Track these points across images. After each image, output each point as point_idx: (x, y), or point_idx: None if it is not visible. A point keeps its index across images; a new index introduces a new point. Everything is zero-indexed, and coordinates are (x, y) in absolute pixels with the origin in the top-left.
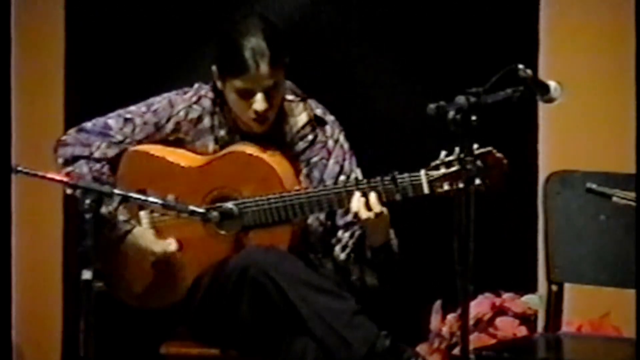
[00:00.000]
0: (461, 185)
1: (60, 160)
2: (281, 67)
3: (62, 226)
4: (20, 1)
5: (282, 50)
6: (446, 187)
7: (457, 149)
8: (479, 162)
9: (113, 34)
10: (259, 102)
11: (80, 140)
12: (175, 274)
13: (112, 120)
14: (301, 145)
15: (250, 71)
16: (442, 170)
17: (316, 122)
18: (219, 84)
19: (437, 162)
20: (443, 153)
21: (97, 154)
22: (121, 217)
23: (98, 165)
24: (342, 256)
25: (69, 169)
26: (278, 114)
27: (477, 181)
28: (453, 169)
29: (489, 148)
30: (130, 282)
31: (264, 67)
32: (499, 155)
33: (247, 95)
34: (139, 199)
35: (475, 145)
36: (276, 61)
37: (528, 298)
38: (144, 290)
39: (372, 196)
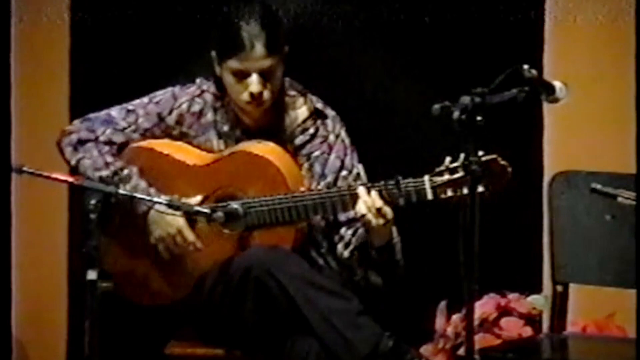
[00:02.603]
0: (465, 191)
1: (68, 149)
2: (278, 53)
3: (67, 226)
4: None
5: (279, 36)
6: (450, 193)
7: (461, 155)
8: (483, 169)
9: (118, 31)
10: (254, 84)
11: (84, 127)
12: (180, 270)
13: (115, 111)
14: (302, 139)
15: (245, 51)
16: (446, 177)
17: (317, 116)
18: (217, 70)
19: (442, 168)
20: (448, 159)
21: (102, 138)
22: (142, 191)
23: (107, 148)
24: (346, 253)
25: (78, 155)
26: (278, 108)
27: (481, 188)
28: (457, 175)
29: (494, 155)
30: (135, 275)
31: (259, 48)
32: (503, 162)
33: (242, 77)
34: (143, 198)
35: (480, 152)
36: (272, 45)
37: (533, 298)
38: (150, 286)
39: (374, 194)
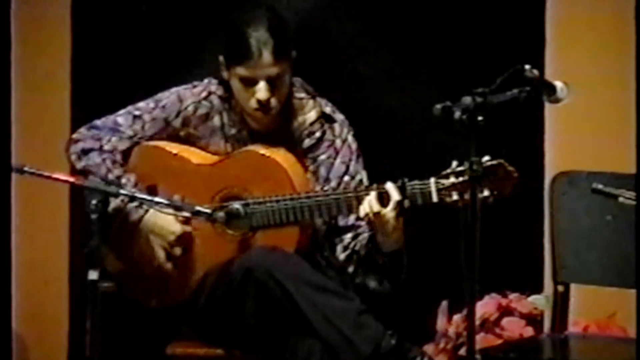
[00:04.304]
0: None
1: (73, 157)
2: (286, 60)
3: (69, 226)
4: None
5: (287, 42)
6: (455, 196)
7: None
8: (488, 174)
9: (119, 30)
10: (261, 91)
11: (90, 135)
12: (183, 271)
13: (122, 117)
14: (308, 142)
15: (253, 58)
16: (452, 180)
17: (324, 120)
18: (225, 75)
19: (448, 171)
20: (454, 163)
21: (107, 147)
22: (132, 204)
23: (110, 155)
24: (342, 256)
25: (82, 163)
26: (287, 111)
27: (486, 192)
28: (462, 178)
29: (500, 160)
30: (139, 278)
31: (267, 56)
32: (510, 168)
33: (250, 84)
34: (144, 199)
35: (487, 157)
36: (280, 51)
37: (534, 298)
38: (153, 287)
39: (374, 199)
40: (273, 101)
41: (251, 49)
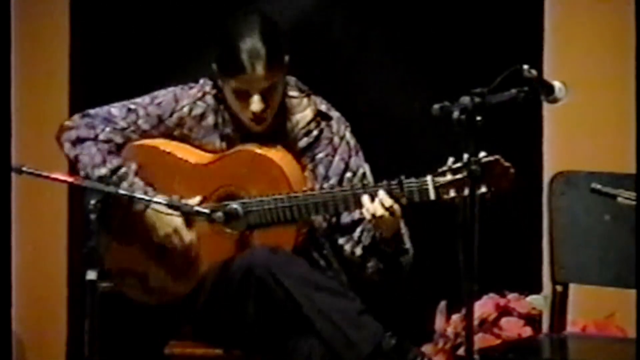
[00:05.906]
0: (467, 192)
1: (66, 145)
2: (279, 68)
3: (67, 226)
4: None
5: (280, 50)
6: (452, 193)
7: (465, 156)
8: (484, 170)
9: (117, 31)
10: (255, 104)
11: (84, 123)
12: (181, 268)
13: (116, 109)
14: (306, 141)
15: (246, 72)
16: (449, 177)
17: (321, 118)
18: (219, 82)
19: (445, 168)
20: (451, 160)
21: (102, 137)
22: (138, 191)
23: (106, 146)
24: (358, 251)
25: (77, 151)
26: (281, 111)
27: (483, 189)
28: (459, 175)
29: (497, 156)
30: (138, 274)
31: (259, 69)
32: (506, 164)
33: (243, 96)
34: (143, 199)
35: (483, 153)
36: (273, 62)
37: (533, 298)
38: (151, 285)
39: (382, 194)
40: (268, 112)
41: (243, 63)
